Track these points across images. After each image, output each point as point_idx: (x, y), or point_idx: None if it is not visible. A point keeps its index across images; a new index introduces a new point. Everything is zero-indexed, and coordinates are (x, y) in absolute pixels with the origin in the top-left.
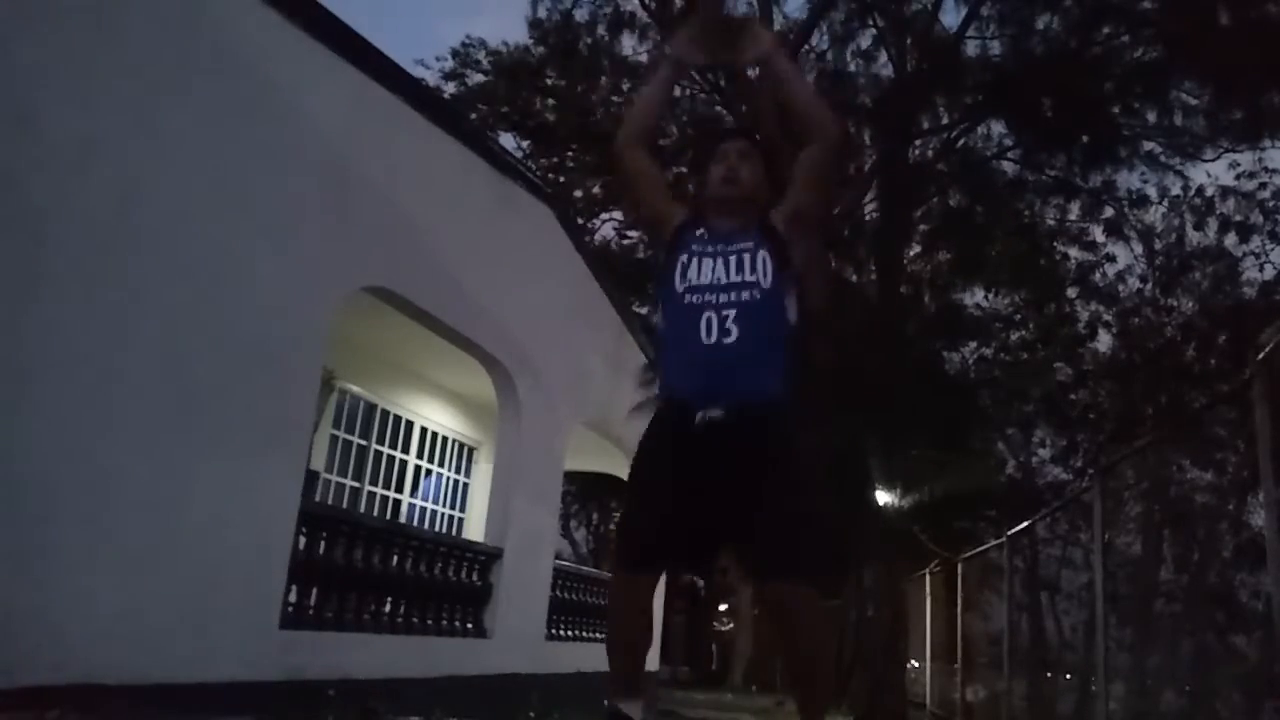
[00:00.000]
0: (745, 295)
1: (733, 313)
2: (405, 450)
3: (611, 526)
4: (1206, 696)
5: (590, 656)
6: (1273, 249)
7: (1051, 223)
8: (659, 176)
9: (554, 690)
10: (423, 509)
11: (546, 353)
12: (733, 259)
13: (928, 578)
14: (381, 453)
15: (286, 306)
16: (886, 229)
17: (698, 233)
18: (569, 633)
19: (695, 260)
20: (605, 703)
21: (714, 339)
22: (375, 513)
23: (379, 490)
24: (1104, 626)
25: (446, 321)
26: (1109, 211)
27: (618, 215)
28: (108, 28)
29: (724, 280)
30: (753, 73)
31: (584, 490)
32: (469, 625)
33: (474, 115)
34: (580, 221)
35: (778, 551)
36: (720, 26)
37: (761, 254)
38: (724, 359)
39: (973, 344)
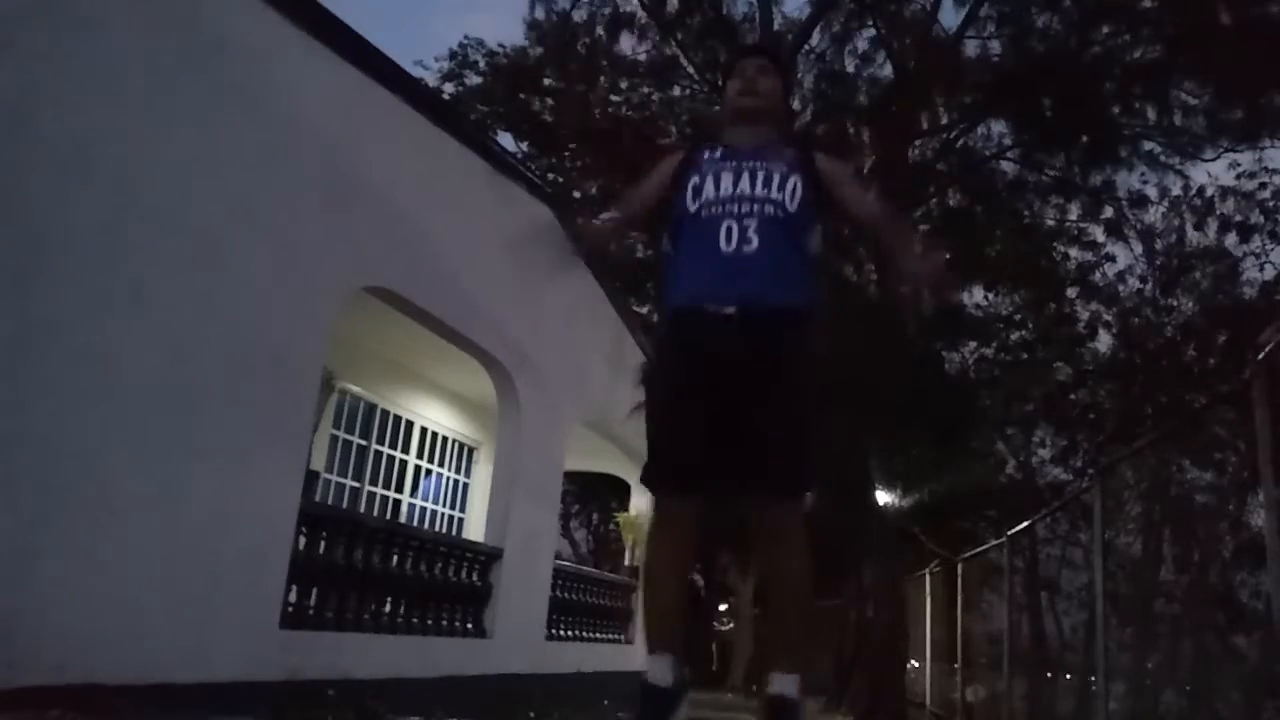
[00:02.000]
0: (770, 209)
1: (754, 223)
2: (405, 450)
3: (611, 527)
4: (1206, 696)
5: (590, 656)
6: (1273, 249)
7: (1051, 223)
8: (638, 196)
9: (554, 690)
10: (423, 509)
11: (546, 353)
12: (760, 174)
13: (928, 578)
14: (381, 453)
15: (286, 306)
16: None
17: (711, 154)
18: (569, 633)
19: (710, 176)
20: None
21: (734, 246)
22: (375, 513)
23: (379, 490)
24: (1104, 626)
25: (446, 321)
26: (1109, 211)
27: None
28: (107, 27)
29: (747, 191)
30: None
31: (584, 490)
32: (469, 625)
33: (472, 116)
34: (580, 221)
35: (776, 466)
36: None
37: (794, 179)
38: (743, 263)
39: (973, 344)
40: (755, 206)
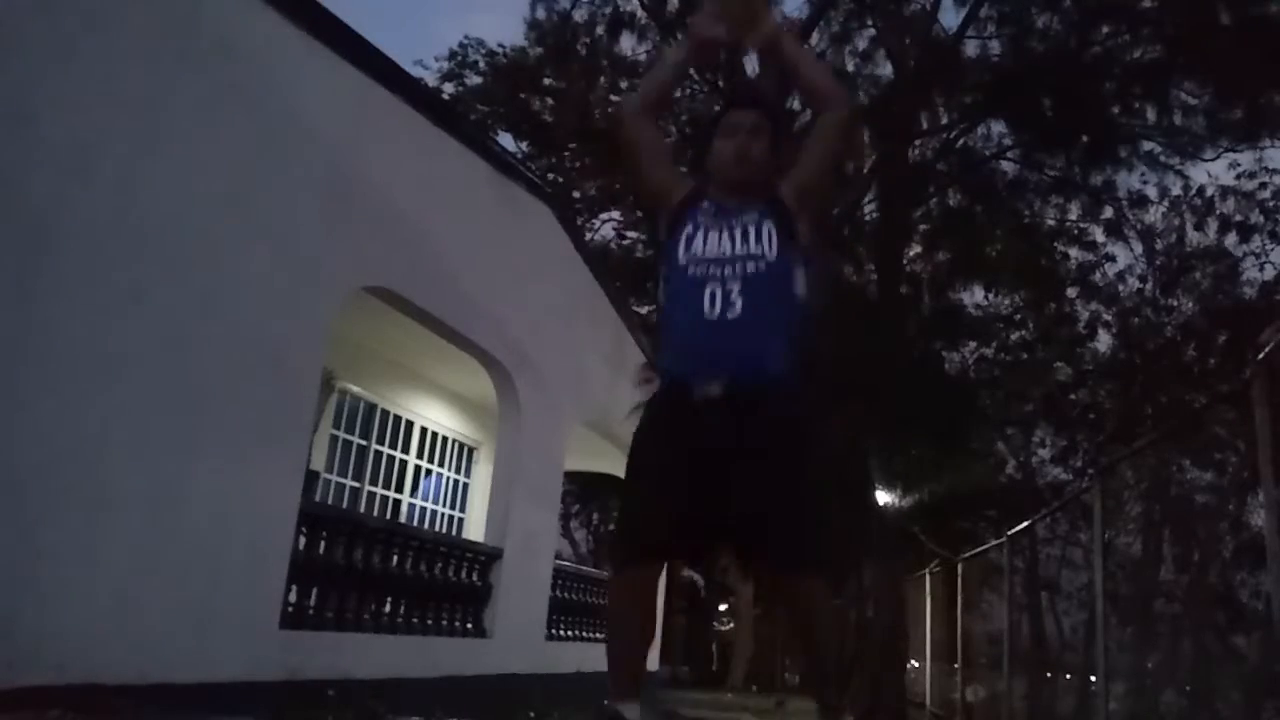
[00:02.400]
0: (750, 267)
1: (737, 285)
2: (405, 450)
3: (612, 527)
4: (1206, 696)
5: (590, 656)
6: (1273, 249)
7: (1051, 223)
8: (663, 147)
9: (554, 690)
10: (423, 509)
11: (546, 353)
12: (738, 231)
13: (928, 578)
14: (381, 453)
15: (286, 306)
16: (886, 229)
17: (704, 205)
18: (569, 633)
19: (700, 232)
20: (605, 703)
21: (718, 312)
22: (375, 513)
23: (379, 490)
24: (1104, 626)
25: (446, 321)
26: (1109, 211)
27: (617, 215)
28: (108, 27)
29: (729, 252)
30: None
31: (584, 490)
32: (469, 625)
33: (472, 116)
34: (580, 221)
35: (795, 544)
36: (741, 4)
37: (767, 225)
38: (727, 333)
39: (973, 344)
40: (738, 267)
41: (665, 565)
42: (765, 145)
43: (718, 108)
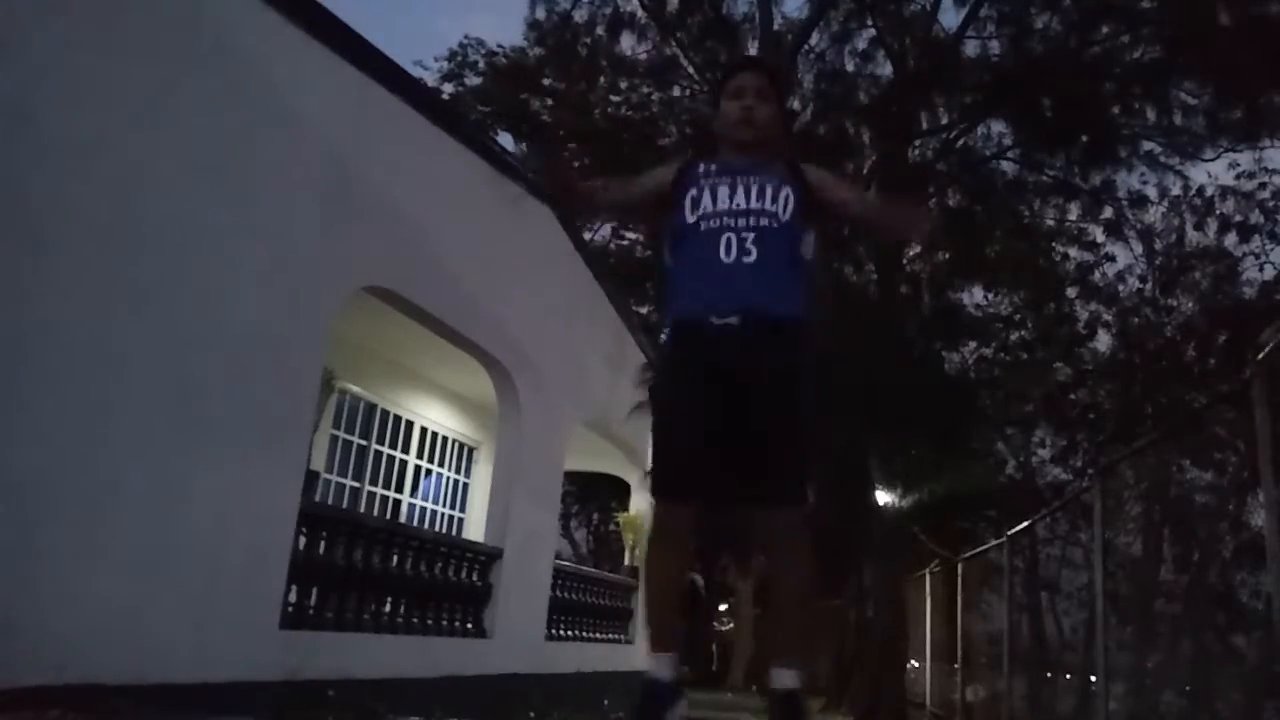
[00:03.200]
0: (764, 221)
1: (752, 235)
2: (405, 450)
3: (612, 527)
4: (1206, 696)
5: (590, 656)
6: (1273, 249)
7: (1051, 223)
8: (637, 185)
9: (554, 690)
10: (423, 509)
11: (546, 353)
12: (754, 188)
13: (928, 578)
14: (381, 453)
15: (286, 306)
16: None
17: (707, 168)
18: (569, 633)
19: (707, 190)
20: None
21: (734, 257)
22: (375, 513)
23: (379, 490)
24: (1104, 626)
25: (446, 321)
26: (1109, 211)
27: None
28: (108, 27)
29: (743, 205)
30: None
31: (584, 490)
32: (469, 625)
33: (472, 116)
34: (580, 221)
35: (782, 478)
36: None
37: (785, 191)
38: (742, 274)
39: (973, 344)
40: (752, 219)
41: (699, 502)
42: (771, 108)
43: (721, 74)
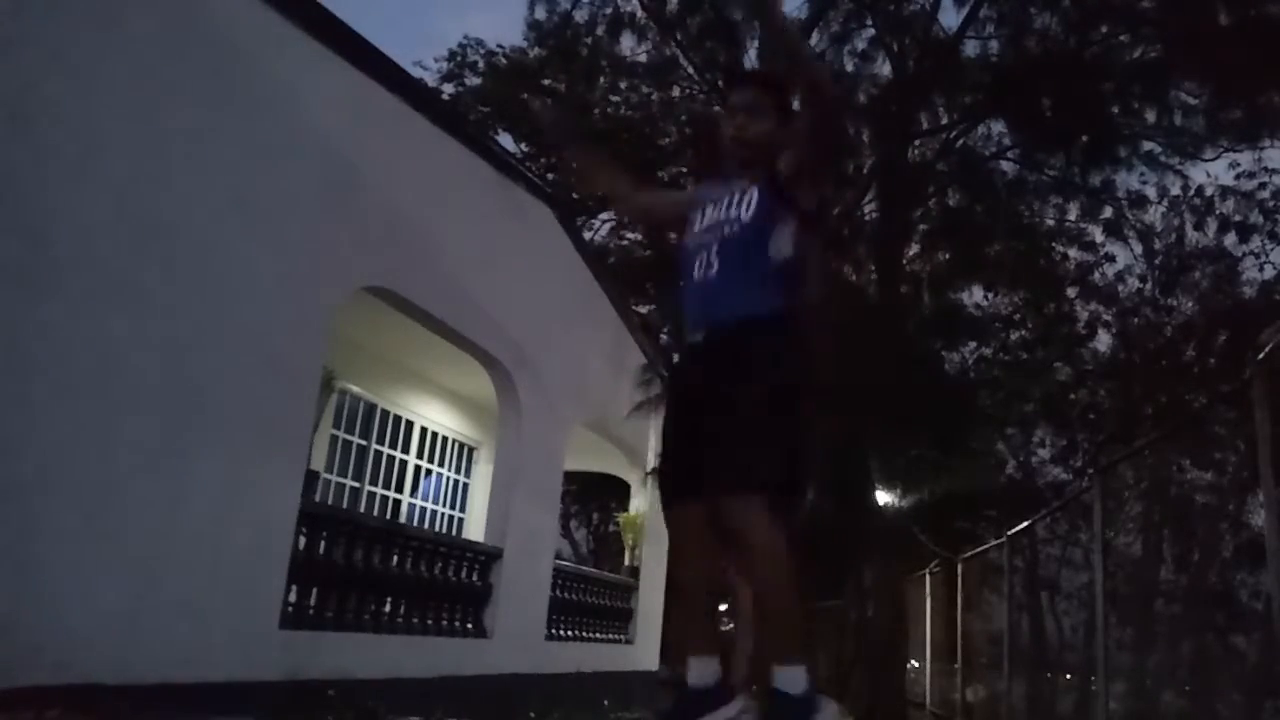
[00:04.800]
0: (726, 230)
1: (715, 247)
2: (405, 450)
3: (612, 527)
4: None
5: (590, 656)
6: (1273, 249)
7: (1051, 223)
8: (663, 195)
9: (554, 690)
10: (423, 509)
11: (546, 353)
12: (725, 200)
13: (928, 578)
14: (381, 453)
15: (286, 306)
16: (886, 229)
17: (708, 188)
18: (569, 633)
19: (701, 213)
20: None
21: (701, 274)
22: (375, 513)
23: (379, 490)
24: (1104, 626)
25: (446, 321)
26: (1109, 211)
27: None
28: (108, 27)
29: (715, 219)
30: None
31: (584, 490)
32: (469, 625)
33: (472, 117)
34: (580, 221)
35: (721, 461)
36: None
37: (750, 192)
38: (706, 290)
39: (973, 344)
40: (718, 230)
41: (694, 501)
42: (765, 121)
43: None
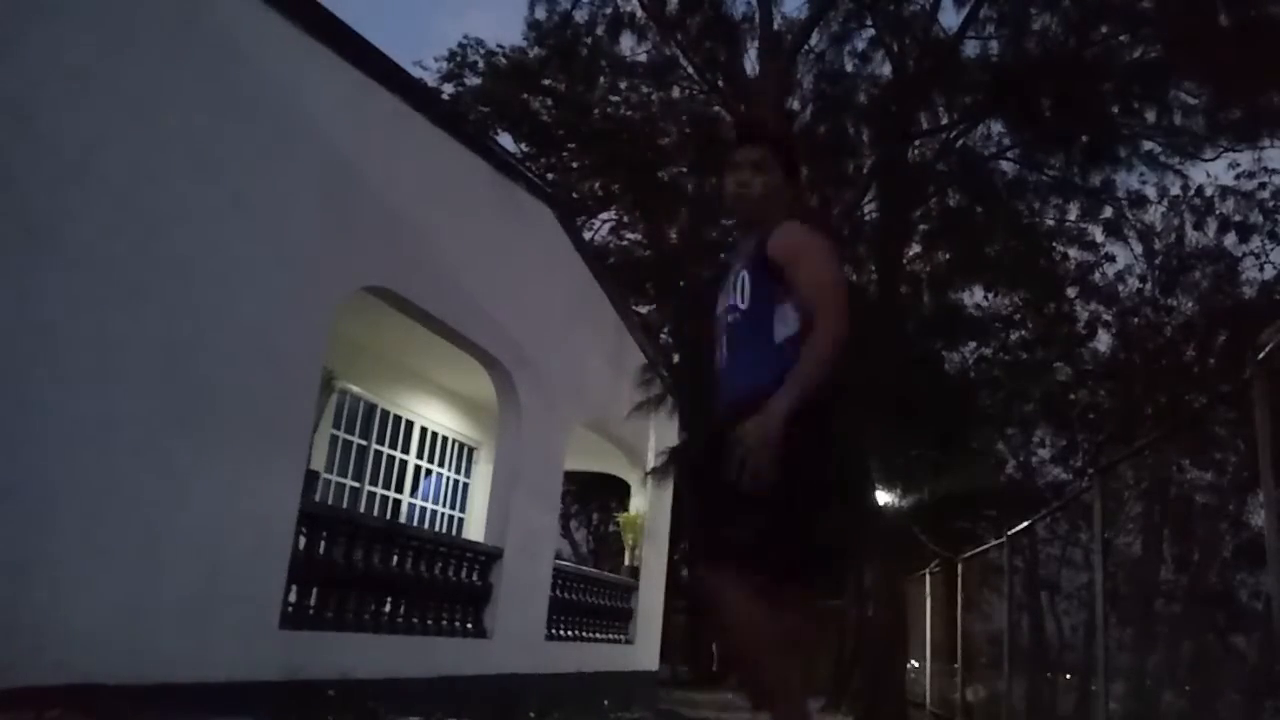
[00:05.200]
0: (730, 318)
1: (725, 336)
2: (405, 450)
3: (612, 527)
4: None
5: (590, 656)
6: (1273, 249)
7: (1051, 223)
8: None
9: (554, 690)
10: (423, 509)
11: (546, 353)
12: (728, 285)
13: (928, 578)
14: (381, 453)
15: (286, 306)
16: (886, 229)
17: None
18: (569, 633)
19: (721, 289)
20: None
21: (720, 360)
22: (375, 513)
23: (379, 490)
24: (1104, 626)
25: (446, 321)
26: (1108, 211)
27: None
28: (108, 28)
29: (723, 306)
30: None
31: (584, 490)
32: (469, 625)
33: (472, 117)
34: (580, 221)
35: (702, 532)
36: None
37: (742, 276)
38: (723, 376)
39: (973, 344)
40: (726, 319)
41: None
42: (768, 179)
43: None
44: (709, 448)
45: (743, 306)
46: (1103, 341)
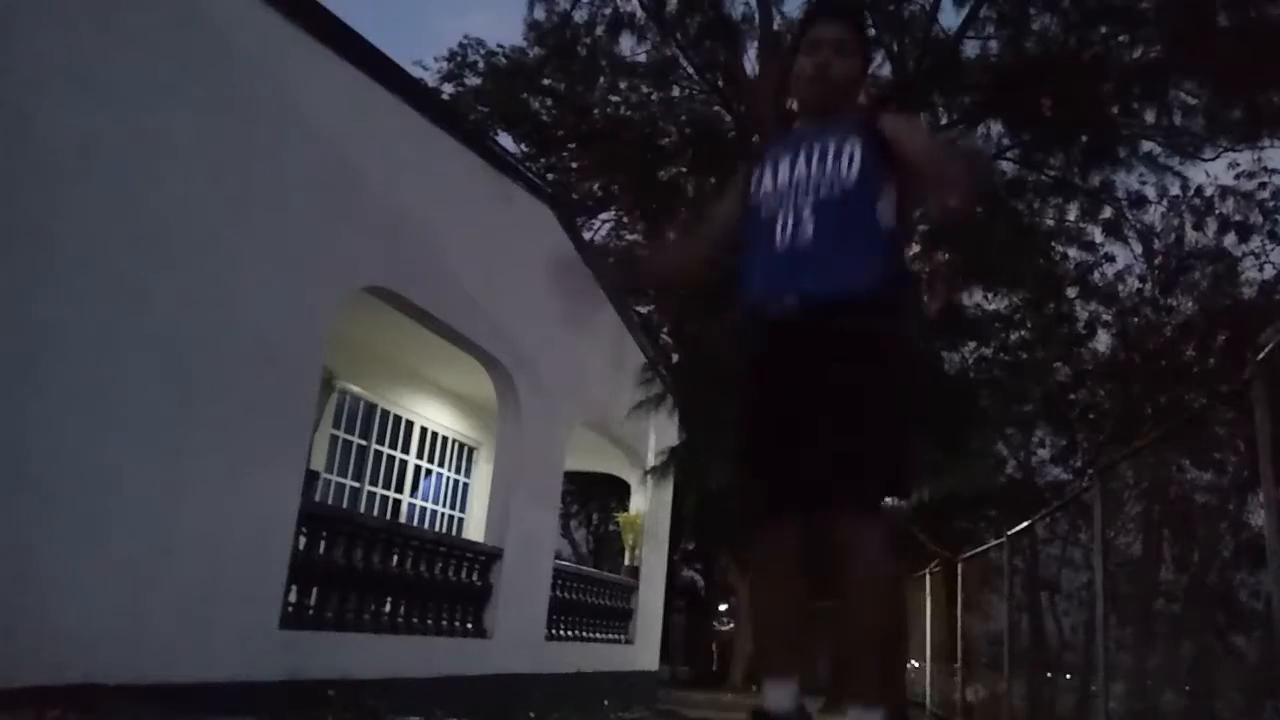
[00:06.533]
0: (823, 191)
1: (808, 209)
2: (405, 450)
3: (612, 527)
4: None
5: (590, 656)
6: (1273, 249)
7: (1051, 223)
8: (714, 211)
9: (554, 690)
10: (423, 509)
11: (546, 353)
12: (816, 152)
13: (928, 578)
14: (381, 453)
15: (286, 306)
16: None
17: (777, 143)
18: (569, 633)
19: (770, 167)
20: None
21: (789, 238)
22: (375, 513)
23: (379, 490)
24: (1104, 626)
25: (446, 321)
26: (1108, 211)
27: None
28: (108, 28)
29: (803, 175)
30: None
31: (584, 490)
32: (469, 625)
33: (472, 116)
34: (580, 221)
35: (836, 470)
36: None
37: (851, 147)
38: (797, 257)
39: (973, 344)
40: (811, 190)
41: (791, 514)
42: (851, 63)
43: (801, 19)
44: (795, 347)
45: (851, 178)
46: (1102, 341)
